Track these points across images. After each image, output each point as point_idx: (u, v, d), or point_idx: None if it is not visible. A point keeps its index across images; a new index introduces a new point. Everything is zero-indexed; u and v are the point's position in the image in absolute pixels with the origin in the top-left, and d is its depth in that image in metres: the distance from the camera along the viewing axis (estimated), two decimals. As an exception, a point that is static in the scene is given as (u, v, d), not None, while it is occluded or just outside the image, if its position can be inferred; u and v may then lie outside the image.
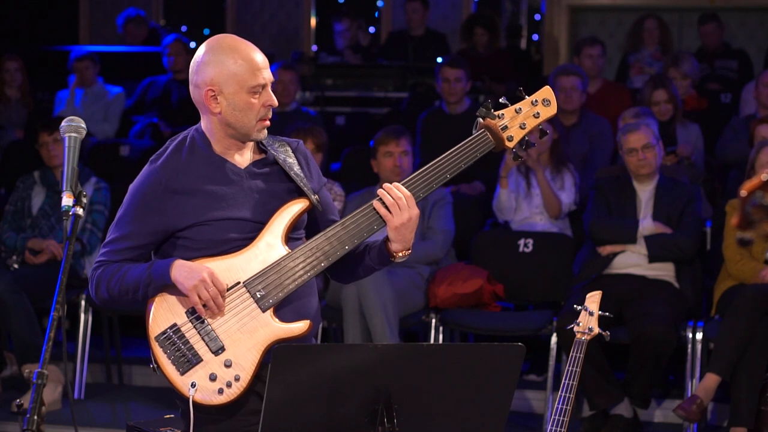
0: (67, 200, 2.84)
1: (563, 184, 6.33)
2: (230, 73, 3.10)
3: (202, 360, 3.07)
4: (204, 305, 3.06)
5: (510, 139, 3.24)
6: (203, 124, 3.22)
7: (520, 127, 3.25)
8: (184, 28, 10.95)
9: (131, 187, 3.22)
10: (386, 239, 3.17)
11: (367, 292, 5.64)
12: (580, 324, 3.77)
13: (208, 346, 3.07)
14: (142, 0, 10.85)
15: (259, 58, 3.14)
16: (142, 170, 3.22)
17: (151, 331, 3.09)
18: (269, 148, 3.24)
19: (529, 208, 6.37)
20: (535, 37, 10.74)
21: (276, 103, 3.18)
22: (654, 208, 5.81)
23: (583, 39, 8.26)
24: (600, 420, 5.57)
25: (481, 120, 3.23)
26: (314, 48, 10.69)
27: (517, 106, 3.27)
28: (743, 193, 1.92)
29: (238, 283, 3.11)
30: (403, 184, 3.15)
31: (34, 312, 6.02)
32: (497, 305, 6.05)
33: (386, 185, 3.14)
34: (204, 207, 3.14)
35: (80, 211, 2.84)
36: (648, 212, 5.81)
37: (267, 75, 3.15)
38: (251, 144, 3.24)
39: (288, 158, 3.24)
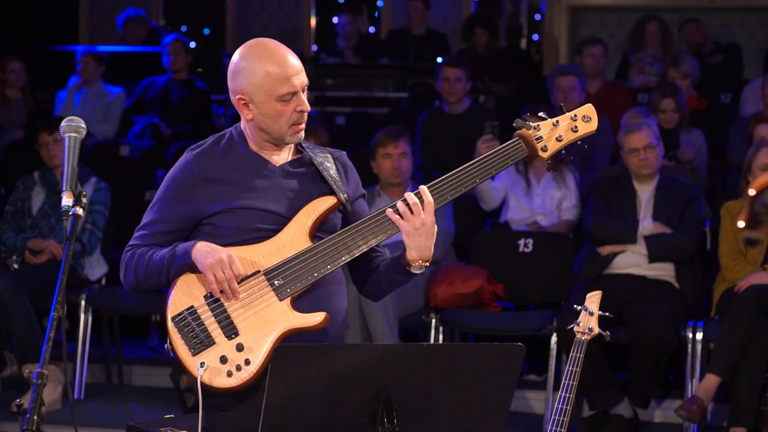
0: (67, 200, 2.84)
1: (566, 183, 6.32)
2: (259, 82, 3.11)
3: (214, 343, 3.07)
4: (220, 289, 3.07)
5: (544, 149, 3.22)
6: (241, 123, 3.25)
7: (557, 140, 3.23)
8: (184, 28, 10.93)
9: (167, 174, 3.27)
10: (405, 248, 3.14)
11: (367, 293, 5.63)
12: (580, 324, 3.77)
13: (222, 330, 3.08)
14: (142, 0, 10.84)
15: (290, 64, 3.12)
16: (180, 158, 3.26)
17: (169, 313, 3.12)
18: (308, 150, 3.25)
19: (530, 208, 6.37)
20: (535, 37, 10.73)
21: (308, 108, 3.17)
22: (654, 208, 5.80)
23: (585, 38, 8.27)
24: (600, 420, 5.57)
25: (517, 130, 3.22)
26: (314, 48, 10.69)
27: (555, 119, 3.25)
28: (752, 191, 1.89)
29: (258, 271, 3.11)
30: (430, 187, 3.12)
31: (34, 312, 6.01)
32: (497, 305, 6.05)
33: (408, 193, 3.12)
34: (232, 195, 3.16)
35: (80, 211, 2.84)
36: (648, 212, 5.80)
37: (297, 81, 3.13)
38: (290, 145, 3.25)
39: (326, 162, 3.25)
